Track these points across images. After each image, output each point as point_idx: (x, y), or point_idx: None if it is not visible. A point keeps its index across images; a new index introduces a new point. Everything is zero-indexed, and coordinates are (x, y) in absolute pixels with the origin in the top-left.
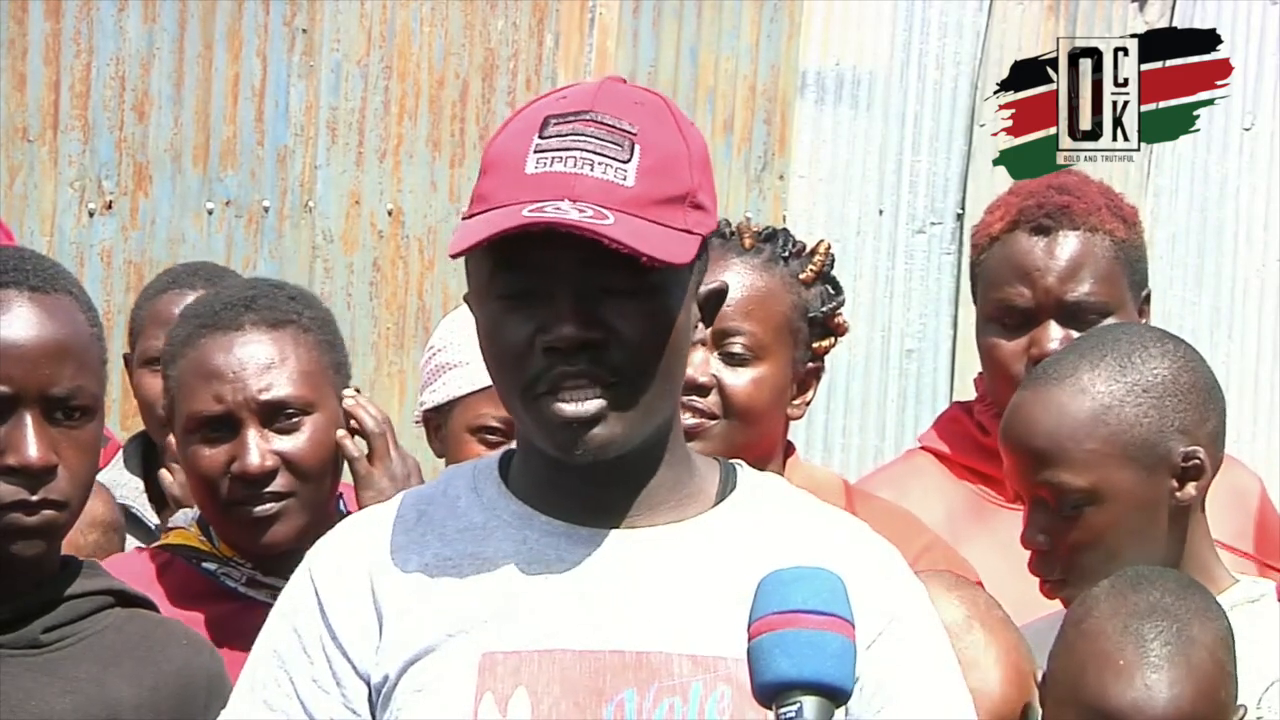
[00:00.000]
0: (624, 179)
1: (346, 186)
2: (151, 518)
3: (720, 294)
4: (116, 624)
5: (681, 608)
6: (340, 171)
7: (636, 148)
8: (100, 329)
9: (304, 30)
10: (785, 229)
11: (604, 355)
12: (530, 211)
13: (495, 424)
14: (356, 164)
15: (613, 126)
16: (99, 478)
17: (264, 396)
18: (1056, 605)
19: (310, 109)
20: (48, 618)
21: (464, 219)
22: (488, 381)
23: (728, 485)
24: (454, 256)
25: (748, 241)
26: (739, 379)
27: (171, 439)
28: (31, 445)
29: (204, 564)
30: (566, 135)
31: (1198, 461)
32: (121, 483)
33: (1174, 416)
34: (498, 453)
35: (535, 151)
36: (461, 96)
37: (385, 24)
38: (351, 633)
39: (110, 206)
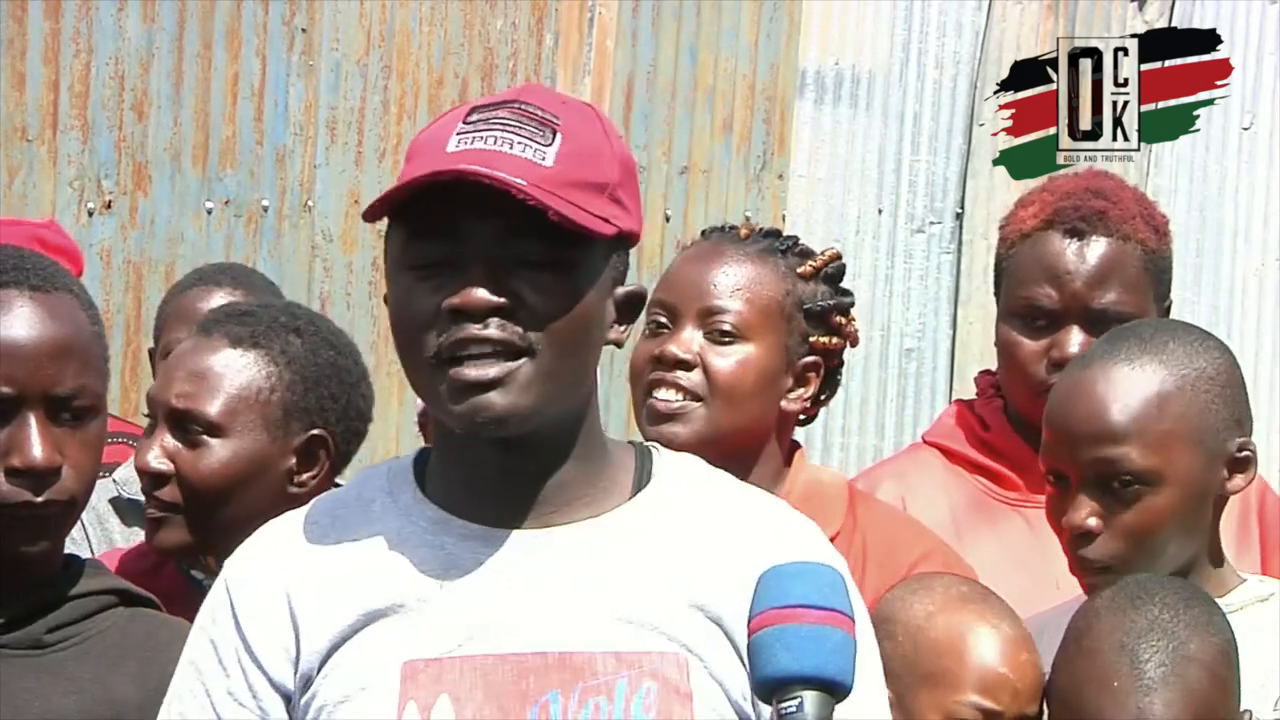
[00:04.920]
0: (543, 159)
1: (346, 186)
2: None
3: (639, 297)
4: (120, 623)
5: (602, 605)
6: (339, 171)
7: (558, 135)
8: (101, 327)
9: (303, 30)
10: (794, 235)
11: (510, 323)
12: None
13: None
14: (356, 163)
15: (535, 114)
16: (115, 474)
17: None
18: (1056, 600)
19: (309, 108)
20: (51, 617)
21: None
22: None
23: (644, 474)
24: (366, 218)
25: (744, 232)
26: (724, 358)
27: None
28: (36, 446)
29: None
30: (490, 120)
31: (1249, 453)
32: (137, 479)
33: (1233, 407)
34: (411, 454)
35: (457, 134)
36: (460, 96)
37: (384, 24)
38: (267, 645)
39: (109, 206)
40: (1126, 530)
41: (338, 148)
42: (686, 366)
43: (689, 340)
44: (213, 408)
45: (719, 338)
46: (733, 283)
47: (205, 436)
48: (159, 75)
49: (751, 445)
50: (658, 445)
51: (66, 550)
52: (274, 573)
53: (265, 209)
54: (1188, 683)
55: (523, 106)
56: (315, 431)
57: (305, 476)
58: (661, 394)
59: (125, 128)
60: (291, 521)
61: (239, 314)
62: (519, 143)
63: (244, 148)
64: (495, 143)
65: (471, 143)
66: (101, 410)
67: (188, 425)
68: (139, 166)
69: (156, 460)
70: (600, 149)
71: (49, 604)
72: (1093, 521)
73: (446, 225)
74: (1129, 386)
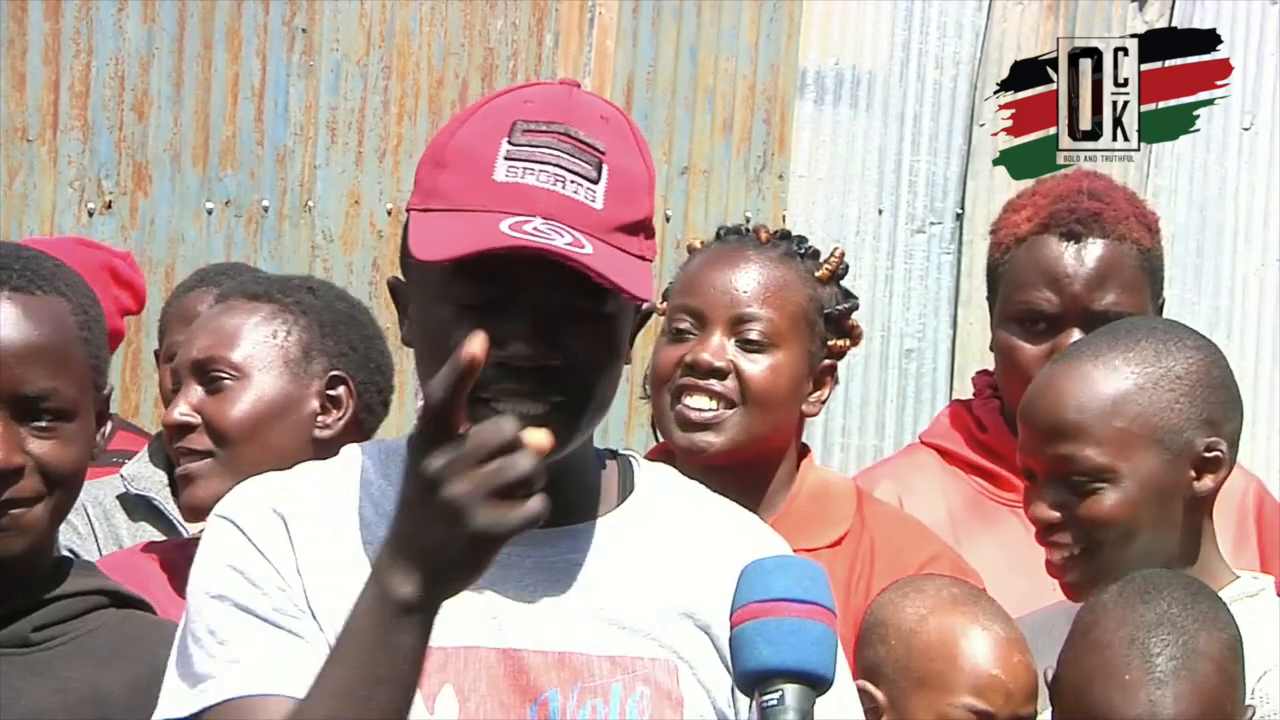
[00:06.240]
0: (593, 200)
1: (346, 186)
2: (174, 511)
3: (648, 316)
4: (110, 624)
5: (596, 609)
6: (340, 171)
7: (605, 168)
8: (94, 333)
9: (303, 30)
10: (803, 236)
11: (555, 376)
12: (510, 228)
13: None
14: (356, 164)
15: (583, 144)
16: (124, 469)
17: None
18: (1054, 600)
19: (310, 109)
20: (36, 616)
21: (417, 210)
22: None
23: (627, 481)
24: (430, 262)
25: (764, 236)
26: (756, 365)
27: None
28: None
29: None
30: (539, 147)
31: (1219, 454)
32: (145, 476)
33: (1203, 407)
34: (401, 438)
35: (505, 158)
36: (461, 97)
37: (385, 24)
38: (284, 562)
39: (110, 206)
40: (1083, 524)
41: (338, 148)
42: (719, 374)
43: (720, 347)
44: (233, 352)
45: (750, 345)
46: (762, 289)
47: (227, 381)
48: (159, 75)
49: (776, 451)
50: (636, 454)
51: (71, 546)
52: (269, 502)
53: (265, 209)
54: (1197, 677)
55: (570, 132)
56: (336, 372)
57: (330, 419)
58: (693, 401)
59: (125, 128)
60: (280, 478)
61: (253, 279)
62: (571, 181)
63: (244, 148)
64: (548, 179)
65: (522, 175)
66: (78, 414)
67: (210, 372)
68: (139, 167)
69: (181, 413)
70: (639, 178)
71: (35, 604)
72: (1054, 514)
73: (497, 266)
74: (1088, 385)
